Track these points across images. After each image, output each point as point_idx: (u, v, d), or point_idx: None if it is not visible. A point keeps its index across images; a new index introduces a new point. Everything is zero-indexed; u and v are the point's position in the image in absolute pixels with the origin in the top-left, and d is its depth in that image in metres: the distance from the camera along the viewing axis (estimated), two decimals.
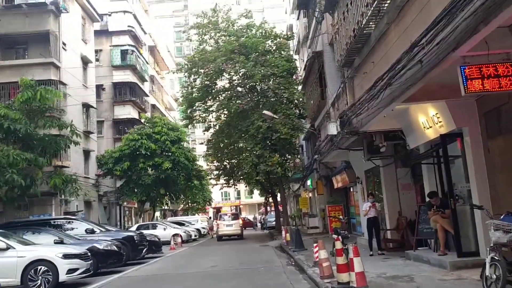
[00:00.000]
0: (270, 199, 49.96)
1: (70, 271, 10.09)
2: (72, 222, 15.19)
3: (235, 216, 29.72)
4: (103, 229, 15.48)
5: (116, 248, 12.91)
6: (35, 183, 13.60)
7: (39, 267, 9.86)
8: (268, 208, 59.29)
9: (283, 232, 20.02)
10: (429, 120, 9.18)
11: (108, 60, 37.57)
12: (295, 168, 35.17)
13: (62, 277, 9.94)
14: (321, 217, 27.20)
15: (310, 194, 33.31)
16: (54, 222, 14.91)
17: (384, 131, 11.03)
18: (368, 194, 11.88)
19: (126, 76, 37.29)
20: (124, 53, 37.56)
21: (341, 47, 10.54)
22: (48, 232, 12.52)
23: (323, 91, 14.37)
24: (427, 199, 10.00)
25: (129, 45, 37.93)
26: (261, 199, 63.64)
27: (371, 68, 9.18)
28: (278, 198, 38.93)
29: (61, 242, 11.93)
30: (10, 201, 13.88)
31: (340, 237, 7.85)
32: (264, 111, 19.29)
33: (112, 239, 14.43)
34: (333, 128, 11.40)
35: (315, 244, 10.38)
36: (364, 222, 15.91)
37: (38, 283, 9.80)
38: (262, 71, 23.53)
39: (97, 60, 37.00)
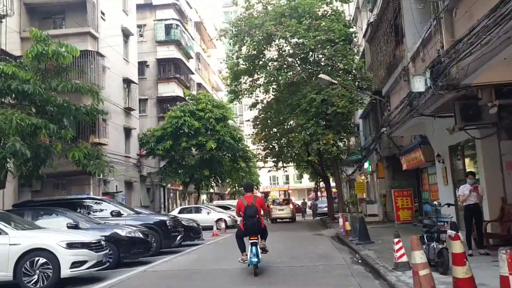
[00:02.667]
0: (322, 183, 47.17)
1: (76, 264, 7.92)
2: (100, 202, 13.21)
3: (287, 202, 32.79)
4: (132, 212, 13.40)
5: (141, 235, 10.71)
6: (51, 156, 11.65)
7: (37, 259, 7.75)
8: (318, 194, 56.46)
9: (340, 220, 17.22)
10: None
11: (152, 36, 35.85)
12: (349, 149, 32.06)
13: (65, 271, 7.79)
14: (381, 203, 24.10)
15: (368, 178, 30.13)
16: (78, 202, 12.98)
17: (495, 85, 7.91)
18: (467, 173, 8.87)
19: (170, 52, 35.44)
20: (168, 28, 35.68)
21: None
22: (63, 214, 10.50)
23: (399, 44, 11.34)
24: None
25: (173, 19, 35.99)
26: (311, 184, 60.84)
27: None
28: (331, 183, 36.11)
29: (75, 226, 9.87)
30: (23, 176, 11.98)
31: (459, 234, 5.02)
32: (321, 75, 16.40)
33: (141, 224, 12.37)
34: (419, 83, 8.41)
35: (396, 239, 7.58)
36: (446, 210, 12.85)
37: (35, 279, 7.70)
38: (316, 36, 20.57)
39: (140, 35, 35.42)
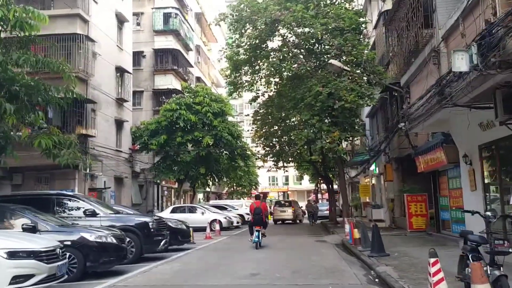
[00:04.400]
0: (323, 185, 45.39)
1: (18, 278, 6.19)
2: (75, 200, 11.44)
3: (289, 203, 33.13)
4: (111, 211, 11.64)
5: (114, 240, 8.94)
6: (11, 144, 9.92)
7: None
8: (319, 196, 54.74)
9: (347, 226, 15.50)
10: None
11: (149, 25, 34.13)
12: (353, 150, 30.41)
13: None
14: (389, 208, 22.38)
15: (373, 181, 28.40)
16: (47, 199, 11.22)
17: None
18: None
19: (168, 42, 33.69)
20: (167, 17, 33.98)
21: None
22: (21, 213, 8.75)
23: (425, 25, 9.57)
24: None
25: (172, 7, 34.27)
26: (311, 186, 59.13)
27: None
28: (333, 185, 34.41)
29: (32, 228, 8.11)
30: None
31: None
32: (331, 61, 14.63)
33: (120, 225, 10.70)
34: (461, 62, 6.69)
35: (432, 259, 5.79)
36: (472, 220, 11.11)
37: None
38: (324, 23, 18.87)
39: (138, 24, 33.79)
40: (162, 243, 11.58)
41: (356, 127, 21.78)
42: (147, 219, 11.52)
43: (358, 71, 19.99)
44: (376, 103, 19.81)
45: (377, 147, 22.60)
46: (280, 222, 31.25)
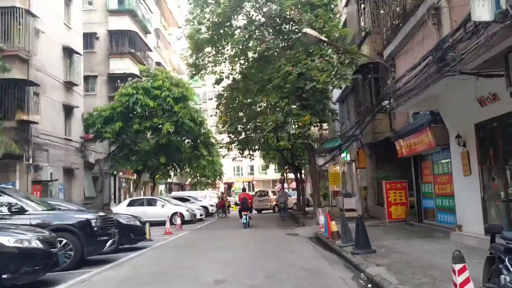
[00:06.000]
0: (290, 175, 44.11)
1: None
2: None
3: (266, 193, 35.40)
4: (44, 207, 9.63)
5: (40, 245, 7.03)
6: None
7: None
8: (285, 185, 53.61)
9: (322, 218, 14.08)
10: None
11: (103, 4, 31.40)
12: (321, 136, 29.13)
13: None
14: (361, 197, 21.25)
15: (344, 168, 27.27)
16: None
17: None
18: None
19: (124, 24, 31.13)
20: None
21: None
22: None
23: None
24: None
25: None
26: (276, 176, 57.90)
27: None
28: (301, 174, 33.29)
29: None
30: None
31: None
32: (306, 29, 12.94)
33: (56, 224, 8.85)
34: (482, 10, 5.22)
35: (458, 266, 4.33)
36: (466, 209, 9.88)
37: None
38: None
39: (89, 3, 31.00)
40: (108, 244, 9.70)
41: (327, 111, 20.39)
42: (89, 216, 9.57)
43: (330, 50, 18.53)
44: (350, 83, 18.41)
45: (349, 132, 21.37)
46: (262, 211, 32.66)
